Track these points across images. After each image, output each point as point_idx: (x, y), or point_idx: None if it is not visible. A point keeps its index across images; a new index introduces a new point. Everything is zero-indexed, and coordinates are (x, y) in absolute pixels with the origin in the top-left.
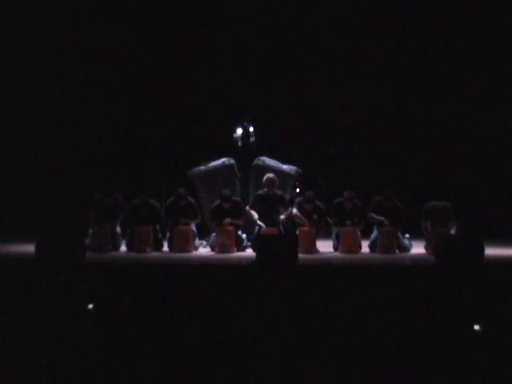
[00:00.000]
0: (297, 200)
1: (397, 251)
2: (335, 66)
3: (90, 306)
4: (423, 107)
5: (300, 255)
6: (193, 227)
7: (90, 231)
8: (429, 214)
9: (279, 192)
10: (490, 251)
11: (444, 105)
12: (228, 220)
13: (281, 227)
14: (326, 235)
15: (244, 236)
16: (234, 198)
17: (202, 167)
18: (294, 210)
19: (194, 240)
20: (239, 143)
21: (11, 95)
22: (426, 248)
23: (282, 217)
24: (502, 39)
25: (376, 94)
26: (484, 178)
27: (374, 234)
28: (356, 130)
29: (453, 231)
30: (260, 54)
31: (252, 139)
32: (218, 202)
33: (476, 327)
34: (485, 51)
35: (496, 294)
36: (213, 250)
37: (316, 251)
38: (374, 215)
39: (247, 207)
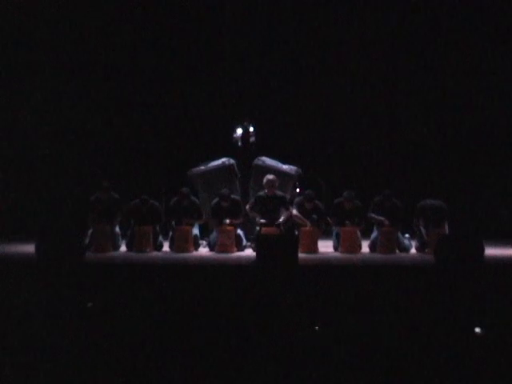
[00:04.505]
0: (296, 200)
1: (397, 251)
2: (335, 66)
3: (90, 305)
4: (422, 107)
5: (301, 255)
6: (195, 230)
7: (90, 231)
8: (424, 213)
9: (279, 193)
10: (490, 251)
11: (443, 104)
12: (227, 221)
13: (281, 227)
14: (326, 235)
15: (242, 234)
16: (232, 196)
17: (202, 167)
18: (294, 211)
19: (195, 241)
20: (239, 143)
21: (11, 96)
22: (417, 248)
23: (282, 217)
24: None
25: (375, 93)
26: (482, 178)
27: (374, 234)
28: (356, 130)
29: (446, 231)
30: (260, 54)
31: (252, 139)
32: (216, 200)
33: (477, 330)
34: (483, 49)
35: (496, 295)
36: (212, 249)
37: (317, 251)
38: (373, 215)
39: (247, 208)
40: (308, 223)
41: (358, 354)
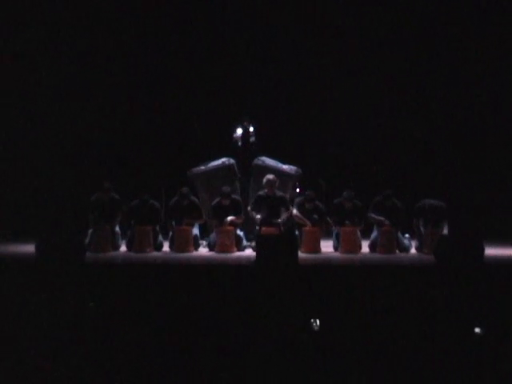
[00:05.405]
0: (297, 200)
1: (397, 251)
2: (335, 66)
3: (91, 304)
4: (422, 106)
5: (302, 255)
6: (195, 230)
7: (90, 231)
8: (423, 213)
9: (280, 193)
10: (490, 251)
11: (442, 104)
12: (229, 218)
13: (281, 227)
14: (326, 235)
15: (242, 234)
16: (233, 196)
17: (202, 167)
18: (294, 211)
19: (195, 241)
20: (239, 143)
21: (11, 95)
22: (417, 249)
23: (282, 217)
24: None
25: (375, 93)
26: (482, 179)
27: (374, 234)
28: (356, 130)
29: (445, 231)
30: (260, 54)
31: (252, 139)
32: (217, 199)
33: (477, 330)
34: (485, 48)
35: (496, 295)
36: (211, 249)
37: (320, 251)
38: (373, 215)
39: (248, 208)
40: (308, 223)
41: (358, 353)
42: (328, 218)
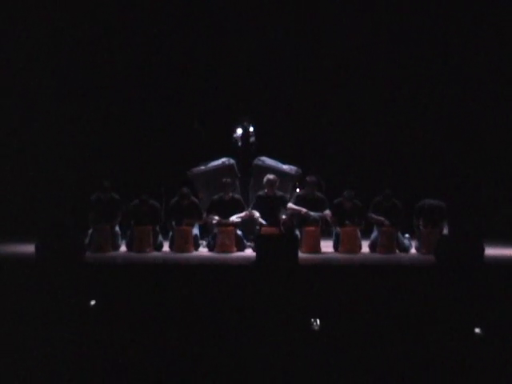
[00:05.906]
0: (297, 193)
1: (397, 251)
2: (334, 66)
3: (92, 303)
4: (421, 106)
5: (302, 255)
6: (195, 230)
7: (90, 231)
8: (423, 212)
9: (280, 193)
10: (490, 251)
11: (442, 104)
12: (216, 218)
13: (281, 227)
14: (326, 235)
15: (240, 233)
16: (232, 194)
17: (202, 167)
18: (290, 204)
19: (195, 241)
20: (239, 143)
21: (11, 95)
22: (417, 249)
23: (282, 217)
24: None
25: (375, 93)
26: (482, 179)
27: (374, 234)
28: (355, 130)
29: (445, 231)
30: (260, 54)
31: (252, 139)
32: (220, 194)
33: (477, 330)
34: (485, 48)
35: (496, 295)
36: (211, 249)
37: (320, 251)
38: (373, 215)
39: (248, 208)
40: (303, 210)
41: (358, 353)
42: (328, 218)
